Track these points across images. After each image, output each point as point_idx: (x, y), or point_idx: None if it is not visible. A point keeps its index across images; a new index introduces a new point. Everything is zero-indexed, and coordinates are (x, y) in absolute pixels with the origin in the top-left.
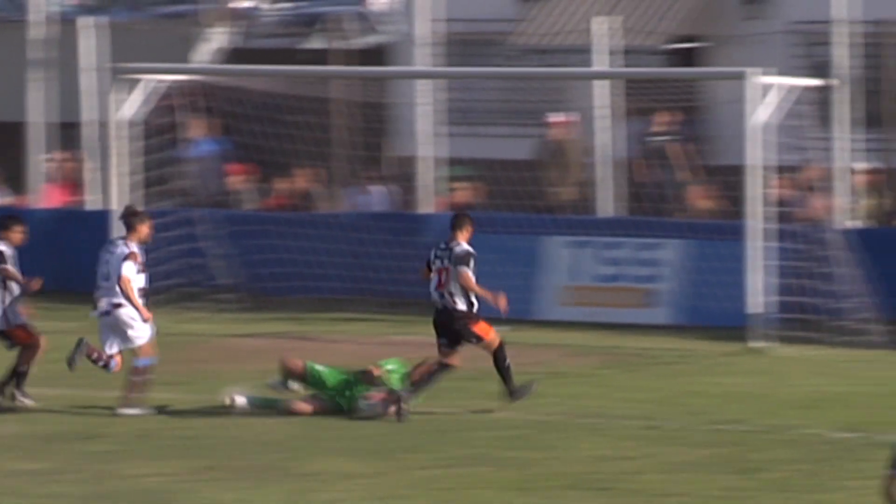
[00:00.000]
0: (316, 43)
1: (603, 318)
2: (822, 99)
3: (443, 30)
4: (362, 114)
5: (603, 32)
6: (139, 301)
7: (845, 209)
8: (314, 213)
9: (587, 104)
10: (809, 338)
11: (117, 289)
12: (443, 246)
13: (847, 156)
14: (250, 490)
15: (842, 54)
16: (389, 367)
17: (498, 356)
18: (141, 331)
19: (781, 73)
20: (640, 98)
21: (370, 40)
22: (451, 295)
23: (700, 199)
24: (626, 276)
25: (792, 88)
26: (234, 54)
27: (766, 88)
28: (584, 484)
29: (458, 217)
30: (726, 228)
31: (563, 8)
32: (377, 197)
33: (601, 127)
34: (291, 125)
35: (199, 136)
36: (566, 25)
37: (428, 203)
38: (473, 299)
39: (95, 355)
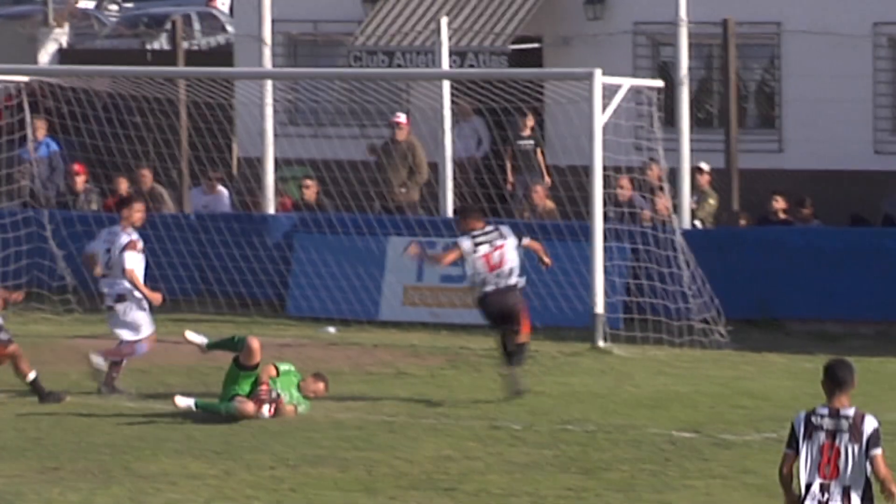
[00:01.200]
0: (159, 44)
1: (448, 319)
2: (665, 99)
3: (288, 31)
4: (208, 114)
5: (447, 33)
6: (145, 287)
7: (689, 209)
8: (159, 213)
9: (432, 105)
10: (653, 338)
11: (121, 279)
12: (477, 232)
13: (690, 156)
14: (95, 490)
15: (684, 55)
16: (284, 367)
17: (517, 349)
18: (140, 328)
19: (625, 73)
20: (484, 98)
21: (215, 41)
22: (513, 272)
23: (544, 199)
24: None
25: (634, 89)
26: (80, 55)
27: (611, 89)
28: (428, 484)
29: (465, 210)
30: (571, 229)
31: (406, 9)
32: (221, 198)
33: (446, 127)
34: (137, 126)
35: (43, 137)
36: (410, 26)
37: (272, 204)
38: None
39: (113, 370)
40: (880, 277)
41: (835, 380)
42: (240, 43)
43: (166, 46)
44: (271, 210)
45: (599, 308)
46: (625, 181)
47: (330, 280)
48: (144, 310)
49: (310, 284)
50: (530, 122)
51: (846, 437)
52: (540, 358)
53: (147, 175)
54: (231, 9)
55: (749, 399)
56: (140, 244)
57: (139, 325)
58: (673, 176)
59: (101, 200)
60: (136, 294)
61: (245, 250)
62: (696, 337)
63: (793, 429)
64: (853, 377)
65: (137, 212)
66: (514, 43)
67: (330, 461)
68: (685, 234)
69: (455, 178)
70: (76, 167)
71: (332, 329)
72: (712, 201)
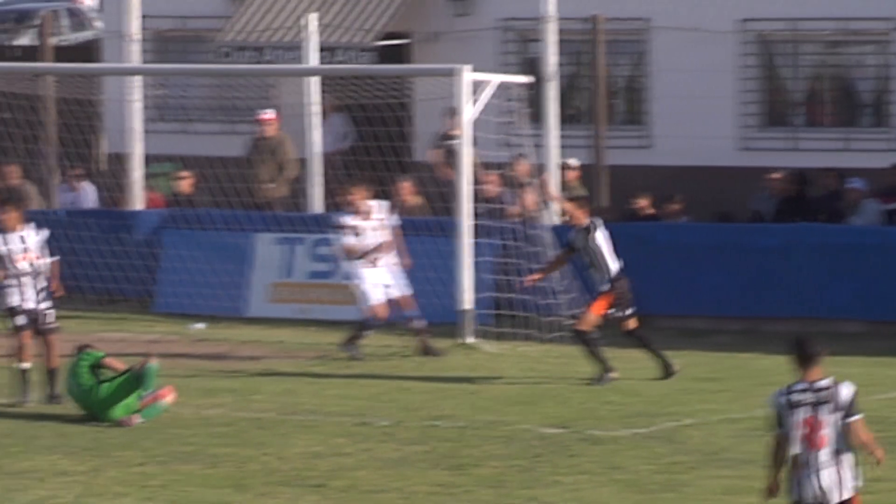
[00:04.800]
0: (27, 39)
1: (315, 315)
2: (532, 95)
3: (154, 26)
4: (73, 111)
5: (313, 29)
6: (356, 260)
7: (555, 205)
8: (25, 210)
9: (298, 101)
10: (521, 334)
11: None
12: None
13: (556, 152)
14: None
15: (551, 51)
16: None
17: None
18: (367, 294)
19: (492, 69)
20: (350, 95)
21: (82, 36)
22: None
23: (411, 194)
24: (338, 272)
25: (502, 85)
26: None
27: (477, 85)
28: (297, 481)
29: (581, 198)
30: (438, 225)
31: (276, 5)
32: (87, 194)
33: (311, 124)
34: (1, 122)
35: None
36: (277, 22)
37: (137, 200)
38: None
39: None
40: (747, 274)
41: (806, 354)
42: (108, 39)
43: (34, 42)
44: (139, 206)
45: (467, 304)
46: (493, 177)
47: (198, 277)
48: (368, 278)
49: (178, 281)
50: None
51: (826, 407)
52: (409, 354)
53: (14, 171)
54: (101, 4)
55: (618, 395)
56: (348, 224)
57: (365, 293)
58: (540, 172)
59: None
60: (355, 267)
61: (113, 247)
62: (563, 333)
63: (774, 409)
64: (822, 349)
65: (356, 196)
66: (382, 39)
67: (199, 458)
68: (553, 229)
69: (326, 173)
70: None
71: (200, 325)
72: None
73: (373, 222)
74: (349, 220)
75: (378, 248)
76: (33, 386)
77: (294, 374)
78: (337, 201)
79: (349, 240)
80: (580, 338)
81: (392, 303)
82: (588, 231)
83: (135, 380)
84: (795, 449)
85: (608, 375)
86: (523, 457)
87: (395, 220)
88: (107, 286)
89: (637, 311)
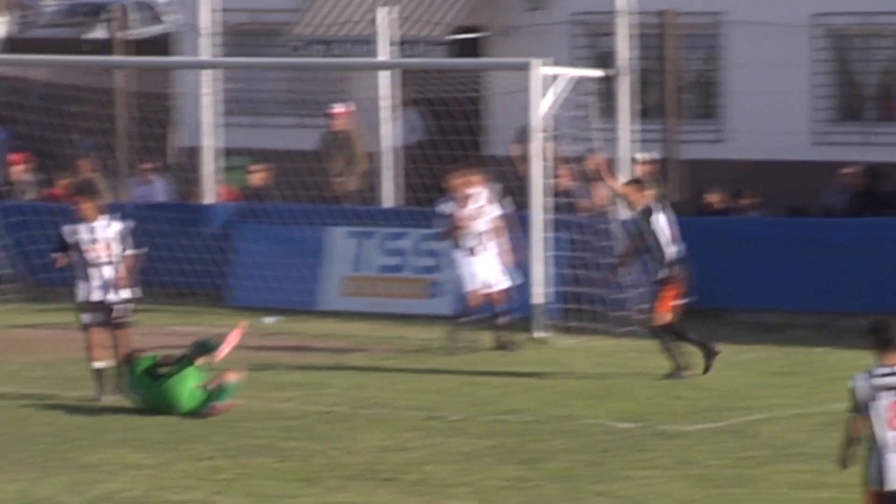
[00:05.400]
0: (99, 33)
1: (386, 309)
2: (604, 89)
3: (226, 20)
4: (145, 104)
5: (386, 23)
6: (456, 247)
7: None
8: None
9: (371, 95)
10: (592, 328)
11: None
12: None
13: (629, 146)
14: (33, 481)
15: (624, 45)
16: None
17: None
18: (465, 281)
19: (564, 63)
20: (422, 89)
21: (153, 30)
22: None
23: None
24: (410, 266)
25: (575, 79)
26: (17, 44)
27: (549, 79)
28: (367, 475)
29: (640, 181)
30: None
31: None
32: (159, 187)
33: (384, 118)
34: (73, 115)
35: None
36: (349, 16)
37: (210, 193)
38: None
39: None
40: (820, 268)
41: (884, 339)
42: (185, 32)
43: (106, 36)
44: (211, 200)
45: (538, 298)
46: (565, 171)
47: (270, 270)
48: (468, 266)
49: (250, 275)
50: None
51: None
52: (478, 348)
53: (87, 164)
54: None
55: (688, 390)
56: (453, 212)
57: (464, 278)
58: (612, 166)
59: (41, 190)
60: (460, 252)
61: (184, 240)
62: (634, 327)
63: (855, 394)
64: None
65: (458, 183)
66: (454, 33)
67: (269, 451)
68: (624, 223)
69: (403, 166)
70: (15, 157)
71: (272, 319)
72: (652, 191)
73: (473, 210)
74: (449, 207)
75: (478, 237)
76: (108, 383)
77: (365, 368)
78: (427, 195)
79: (448, 227)
80: (655, 334)
81: (487, 295)
82: (646, 214)
83: (190, 362)
84: (880, 433)
85: (683, 373)
86: (593, 451)
87: (500, 209)
88: (179, 280)
89: (690, 303)
